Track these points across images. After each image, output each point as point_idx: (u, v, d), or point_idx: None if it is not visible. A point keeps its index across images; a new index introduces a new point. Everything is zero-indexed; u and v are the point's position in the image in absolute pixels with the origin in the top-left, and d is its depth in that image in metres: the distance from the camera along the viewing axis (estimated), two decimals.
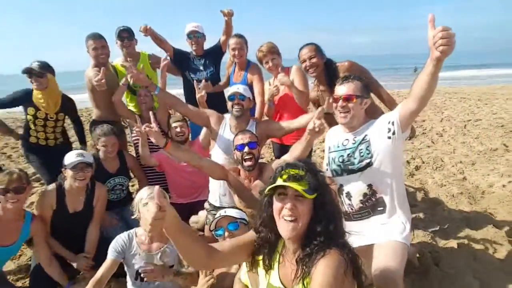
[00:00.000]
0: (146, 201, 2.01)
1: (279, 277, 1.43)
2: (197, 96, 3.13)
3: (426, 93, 1.66)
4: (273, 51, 3.02)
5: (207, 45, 3.74)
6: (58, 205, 2.55)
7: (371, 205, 1.95)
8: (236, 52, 3.26)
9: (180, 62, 3.75)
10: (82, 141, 3.55)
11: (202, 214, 3.14)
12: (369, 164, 1.90)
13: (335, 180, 2.06)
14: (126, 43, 3.45)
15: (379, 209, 1.95)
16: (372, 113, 2.19)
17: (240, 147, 2.41)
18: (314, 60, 2.73)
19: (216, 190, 2.84)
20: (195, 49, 3.65)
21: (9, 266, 2.81)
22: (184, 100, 3.33)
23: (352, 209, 2.00)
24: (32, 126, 3.13)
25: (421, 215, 3.43)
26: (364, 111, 2.02)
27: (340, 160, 2.01)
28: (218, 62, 3.76)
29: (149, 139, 2.60)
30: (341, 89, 1.99)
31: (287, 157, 2.29)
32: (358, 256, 1.34)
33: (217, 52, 3.71)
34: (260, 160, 2.51)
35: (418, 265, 2.47)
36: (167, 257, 2.14)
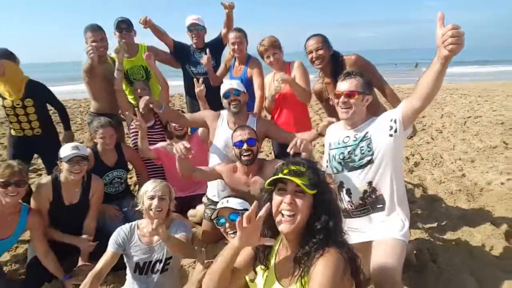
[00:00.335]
0: (151, 194, 2.00)
1: (275, 275, 1.43)
2: (196, 90, 3.12)
3: (431, 91, 1.64)
4: (274, 46, 2.97)
5: (207, 38, 3.70)
6: (54, 197, 2.54)
7: (371, 202, 1.95)
8: (236, 47, 3.21)
9: (181, 55, 3.71)
10: (67, 128, 3.45)
11: (200, 208, 3.15)
12: (370, 162, 1.90)
13: (334, 177, 2.05)
14: (125, 34, 3.39)
15: (378, 206, 1.95)
16: (375, 110, 2.17)
17: (239, 144, 2.39)
18: (320, 51, 2.65)
19: (215, 185, 2.83)
20: (195, 42, 3.61)
21: (5, 257, 2.78)
22: (184, 93, 3.43)
23: (351, 206, 2.00)
24: (10, 119, 3.10)
25: (419, 211, 3.43)
26: (365, 108, 2.01)
27: (341, 157, 2.00)
28: (219, 55, 3.73)
29: (148, 133, 2.59)
30: (343, 85, 1.98)
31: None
32: (357, 255, 1.34)
33: (218, 45, 3.67)
34: (259, 156, 2.50)
35: (415, 262, 2.48)
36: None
